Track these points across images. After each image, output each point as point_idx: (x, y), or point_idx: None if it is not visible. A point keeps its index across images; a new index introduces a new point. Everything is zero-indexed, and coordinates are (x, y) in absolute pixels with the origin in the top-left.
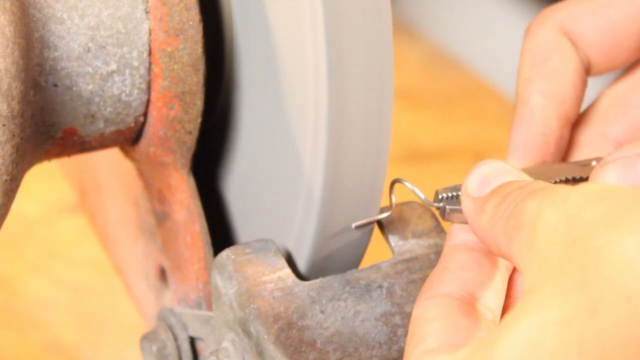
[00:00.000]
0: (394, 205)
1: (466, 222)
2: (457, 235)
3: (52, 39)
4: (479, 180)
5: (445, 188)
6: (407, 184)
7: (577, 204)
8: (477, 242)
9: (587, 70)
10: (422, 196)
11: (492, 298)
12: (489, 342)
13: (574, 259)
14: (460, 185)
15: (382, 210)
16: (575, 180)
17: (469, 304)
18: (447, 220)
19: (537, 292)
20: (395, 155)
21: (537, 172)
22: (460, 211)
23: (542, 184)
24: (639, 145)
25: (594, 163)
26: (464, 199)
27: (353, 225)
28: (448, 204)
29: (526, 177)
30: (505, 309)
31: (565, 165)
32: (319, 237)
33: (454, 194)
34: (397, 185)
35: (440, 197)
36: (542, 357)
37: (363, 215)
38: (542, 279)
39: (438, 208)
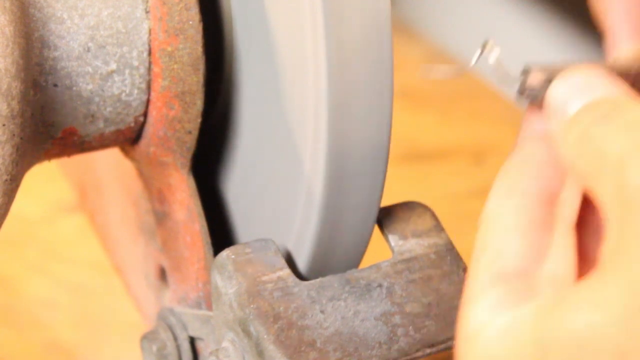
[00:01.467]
0: (479, 58)
1: (540, 107)
2: (535, 125)
3: (52, 39)
4: (569, 93)
5: (541, 67)
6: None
7: None
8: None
9: None
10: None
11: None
12: (560, 307)
13: None
14: (556, 68)
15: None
16: None
17: (550, 212)
18: (520, 100)
19: (618, 261)
20: (395, 155)
21: None
22: (541, 100)
23: (629, 112)
24: None
25: None
26: (552, 112)
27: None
28: (531, 89)
29: (622, 89)
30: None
31: None
32: (319, 237)
33: (543, 80)
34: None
35: (529, 75)
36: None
37: (363, 215)
38: (625, 243)
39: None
